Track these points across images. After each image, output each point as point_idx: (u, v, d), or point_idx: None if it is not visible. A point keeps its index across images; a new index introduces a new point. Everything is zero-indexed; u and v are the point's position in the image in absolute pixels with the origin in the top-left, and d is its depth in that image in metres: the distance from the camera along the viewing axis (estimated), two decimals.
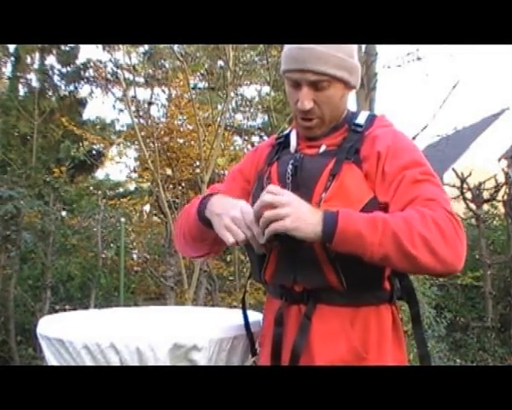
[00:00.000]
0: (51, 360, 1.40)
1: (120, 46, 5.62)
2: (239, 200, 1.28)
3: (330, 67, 1.25)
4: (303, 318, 1.26)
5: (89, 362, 1.31)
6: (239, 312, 1.50)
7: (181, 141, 6.79)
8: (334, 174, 1.24)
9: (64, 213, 6.78)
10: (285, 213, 1.11)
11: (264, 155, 1.45)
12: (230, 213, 1.21)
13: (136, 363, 1.29)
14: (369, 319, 1.25)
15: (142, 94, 10.58)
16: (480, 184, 5.85)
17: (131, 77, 6.46)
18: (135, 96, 6.05)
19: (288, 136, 1.43)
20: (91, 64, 11.61)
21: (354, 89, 1.35)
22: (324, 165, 1.27)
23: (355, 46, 1.33)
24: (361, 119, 1.35)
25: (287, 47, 1.31)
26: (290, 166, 1.31)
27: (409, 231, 1.10)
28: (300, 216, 1.12)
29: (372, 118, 1.36)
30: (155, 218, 8.03)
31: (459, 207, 6.24)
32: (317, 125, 1.32)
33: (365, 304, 1.26)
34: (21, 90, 12.68)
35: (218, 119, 5.37)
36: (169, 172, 6.56)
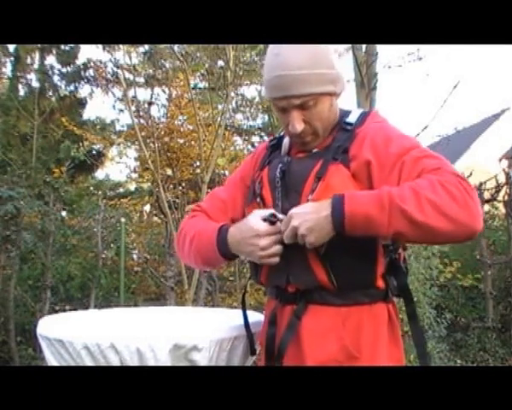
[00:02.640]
0: (51, 360, 1.40)
1: (120, 46, 5.62)
2: (249, 220, 1.29)
3: (313, 86, 1.25)
4: (292, 317, 1.28)
5: (89, 362, 1.30)
6: (239, 312, 1.50)
7: (181, 141, 6.77)
8: (319, 176, 1.25)
9: (64, 214, 6.78)
10: (304, 232, 1.17)
11: (261, 158, 1.46)
12: (260, 244, 1.24)
13: (136, 363, 1.29)
14: (362, 318, 1.26)
15: (143, 94, 10.58)
16: (481, 184, 5.84)
17: (131, 77, 6.46)
18: (135, 96, 6.04)
19: (280, 138, 1.44)
20: (91, 64, 11.59)
21: (341, 94, 1.35)
22: (311, 167, 1.28)
23: (333, 54, 1.30)
24: (352, 117, 1.35)
25: (266, 75, 1.30)
26: (278, 170, 1.33)
27: (417, 199, 1.09)
28: (311, 224, 1.16)
29: (364, 115, 1.36)
30: (155, 218, 8.01)
31: None
32: (312, 140, 1.33)
33: (358, 303, 1.26)
34: (21, 90, 12.68)
35: (219, 119, 5.35)
36: (169, 172, 6.55)
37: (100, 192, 8.89)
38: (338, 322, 1.25)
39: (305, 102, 1.25)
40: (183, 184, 6.66)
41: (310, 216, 1.16)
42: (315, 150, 1.33)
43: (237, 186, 1.49)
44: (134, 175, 8.64)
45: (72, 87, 13.16)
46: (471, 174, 5.94)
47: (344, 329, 1.24)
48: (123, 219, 5.89)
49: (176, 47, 5.41)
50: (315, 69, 1.24)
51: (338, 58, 1.34)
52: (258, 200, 1.35)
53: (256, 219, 1.26)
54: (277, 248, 1.24)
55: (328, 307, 1.26)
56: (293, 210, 1.20)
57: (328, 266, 1.23)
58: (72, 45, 12.35)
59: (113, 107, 12.91)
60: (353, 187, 1.23)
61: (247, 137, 10.92)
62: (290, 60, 1.24)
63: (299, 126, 1.28)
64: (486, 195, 5.87)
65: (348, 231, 1.15)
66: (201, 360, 1.33)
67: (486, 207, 6.06)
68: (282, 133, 1.47)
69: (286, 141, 1.41)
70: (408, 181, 1.16)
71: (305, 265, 1.25)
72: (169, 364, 1.30)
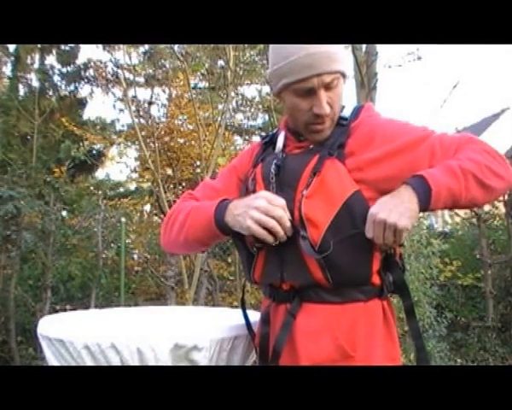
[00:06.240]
0: (52, 360, 1.40)
1: (120, 46, 5.63)
2: (258, 192, 1.28)
3: (340, 64, 1.26)
4: (287, 315, 1.27)
5: (89, 362, 1.31)
6: (239, 312, 1.50)
7: (181, 141, 6.78)
8: (315, 171, 1.25)
9: (64, 213, 6.76)
10: (394, 219, 1.13)
11: (254, 155, 1.46)
12: (255, 204, 1.21)
13: (136, 363, 1.29)
14: (357, 316, 1.25)
15: (143, 94, 10.59)
16: None
17: (132, 77, 6.45)
18: (135, 96, 6.05)
19: (273, 136, 1.43)
20: (91, 64, 11.58)
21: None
22: (307, 162, 1.28)
23: None
24: (346, 112, 1.35)
25: (291, 58, 1.24)
26: (273, 166, 1.32)
27: (478, 166, 1.20)
28: (400, 209, 1.14)
29: (358, 109, 1.36)
30: (156, 218, 8.02)
31: None
32: (328, 126, 1.31)
33: (353, 300, 1.25)
34: (21, 90, 12.66)
35: (219, 118, 5.36)
36: (169, 172, 6.56)
37: (100, 192, 8.86)
38: (332, 321, 1.24)
39: (333, 80, 1.25)
40: (184, 184, 6.67)
41: (393, 203, 1.15)
42: (311, 146, 1.32)
43: (231, 175, 1.47)
44: (134, 175, 8.63)
45: (72, 87, 13.15)
46: None
47: (339, 328, 1.24)
48: (123, 219, 5.88)
49: (176, 47, 5.41)
50: (338, 48, 1.27)
51: None
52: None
53: (265, 191, 1.26)
54: (273, 224, 1.19)
55: (323, 304, 1.25)
56: (372, 209, 1.17)
57: (323, 262, 1.22)
58: (72, 45, 12.34)
59: (114, 106, 12.87)
60: (349, 182, 1.24)
61: (247, 137, 10.90)
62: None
63: (327, 106, 1.26)
64: None
65: (432, 208, 1.19)
66: (202, 359, 1.34)
67: (487, 206, 6.07)
68: (274, 130, 1.46)
69: (281, 137, 1.38)
70: (447, 157, 1.23)
71: (299, 262, 1.24)
72: (169, 364, 1.30)
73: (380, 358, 1.25)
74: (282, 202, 1.22)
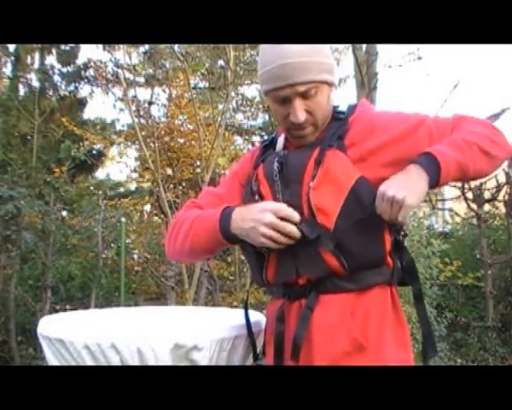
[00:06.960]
0: (52, 359, 1.40)
1: (120, 46, 5.63)
2: (262, 202, 1.30)
3: (316, 73, 1.26)
4: (304, 309, 1.27)
5: (89, 362, 1.31)
6: (240, 311, 1.50)
7: (181, 141, 6.78)
8: (318, 162, 1.27)
9: (64, 213, 6.77)
10: (402, 196, 1.14)
11: (255, 157, 1.46)
12: (264, 220, 1.21)
13: (136, 363, 1.29)
14: (370, 305, 1.27)
15: (143, 94, 10.57)
16: (481, 184, 5.83)
17: (132, 77, 6.45)
18: (135, 96, 6.05)
19: (273, 139, 1.45)
20: (91, 64, 11.57)
21: (335, 86, 1.37)
22: (309, 156, 1.30)
23: (328, 46, 1.33)
24: (342, 107, 1.38)
25: (267, 67, 1.29)
26: (276, 164, 1.33)
27: (480, 137, 1.24)
28: (407, 186, 1.16)
29: (354, 105, 1.39)
30: (156, 218, 8.02)
31: (460, 208, 6.23)
32: (310, 133, 1.33)
33: (368, 286, 1.27)
34: (21, 90, 12.65)
35: (219, 118, 5.36)
36: (169, 171, 6.56)
37: (100, 192, 8.86)
38: (347, 313, 1.25)
39: (309, 89, 1.26)
40: (184, 184, 6.67)
41: (402, 181, 1.17)
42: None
43: (233, 181, 1.48)
44: (134, 175, 8.62)
45: (72, 87, 13.14)
46: None
47: (353, 320, 1.25)
48: (123, 219, 5.89)
49: (176, 47, 5.41)
50: (316, 57, 1.26)
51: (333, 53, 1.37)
52: (256, 197, 1.34)
53: (269, 202, 1.27)
54: (282, 238, 1.21)
55: (340, 294, 1.26)
56: (381, 187, 1.18)
57: (337, 251, 1.23)
58: (72, 45, 12.33)
59: (114, 106, 12.86)
60: (352, 169, 1.26)
61: (247, 137, 10.89)
62: (292, 48, 1.25)
63: (301, 115, 1.28)
64: (487, 194, 5.87)
65: (441, 184, 1.21)
66: (202, 359, 1.34)
67: (487, 206, 6.07)
68: (273, 134, 1.47)
69: (281, 139, 1.40)
70: (444, 137, 1.27)
71: (314, 254, 1.25)
72: (169, 363, 1.30)
73: (390, 344, 1.26)
74: (288, 211, 1.22)
